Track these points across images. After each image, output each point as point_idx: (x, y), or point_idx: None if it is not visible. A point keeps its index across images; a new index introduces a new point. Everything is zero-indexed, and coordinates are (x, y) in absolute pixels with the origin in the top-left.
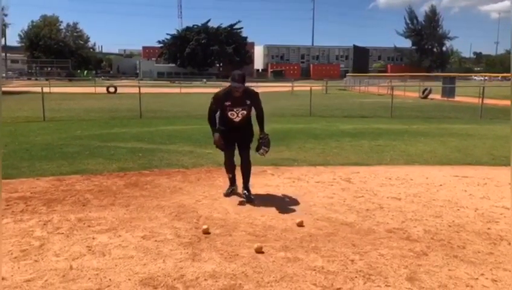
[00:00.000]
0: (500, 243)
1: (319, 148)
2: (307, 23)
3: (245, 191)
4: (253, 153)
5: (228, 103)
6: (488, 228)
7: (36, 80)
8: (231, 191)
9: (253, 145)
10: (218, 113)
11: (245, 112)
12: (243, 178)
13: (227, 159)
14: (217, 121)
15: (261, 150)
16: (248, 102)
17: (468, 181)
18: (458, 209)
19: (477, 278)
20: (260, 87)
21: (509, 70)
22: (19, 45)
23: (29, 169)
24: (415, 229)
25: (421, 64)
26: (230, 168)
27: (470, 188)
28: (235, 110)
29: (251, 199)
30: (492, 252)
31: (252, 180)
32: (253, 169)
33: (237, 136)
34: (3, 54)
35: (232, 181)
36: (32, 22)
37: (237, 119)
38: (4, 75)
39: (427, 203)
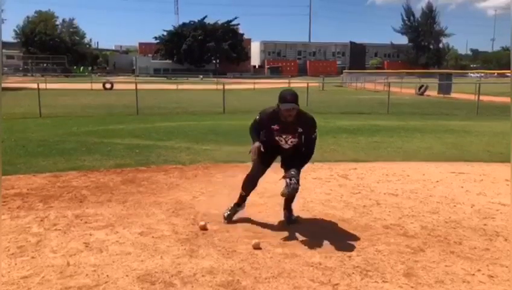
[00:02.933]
0: (496, 239)
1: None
2: (303, 20)
3: (286, 212)
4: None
5: (276, 127)
6: (485, 224)
7: (32, 76)
8: (234, 212)
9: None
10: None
11: (296, 140)
12: (286, 202)
13: (252, 174)
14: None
15: (288, 180)
16: (300, 130)
17: (465, 177)
18: (455, 206)
19: (473, 274)
20: (257, 84)
21: (504, 67)
22: (15, 40)
23: (25, 165)
24: (412, 225)
25: (418, 61)
26: (249, 185)
27: (467, 184)
28: (283, 136)
29: (293, 220)
30: (488, 248)
31: None
32: (251, 165)
33: (283, 156)
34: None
35: (242, 200)
36: (27, 17)
37: (286, 147)
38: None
39: (424, 200)
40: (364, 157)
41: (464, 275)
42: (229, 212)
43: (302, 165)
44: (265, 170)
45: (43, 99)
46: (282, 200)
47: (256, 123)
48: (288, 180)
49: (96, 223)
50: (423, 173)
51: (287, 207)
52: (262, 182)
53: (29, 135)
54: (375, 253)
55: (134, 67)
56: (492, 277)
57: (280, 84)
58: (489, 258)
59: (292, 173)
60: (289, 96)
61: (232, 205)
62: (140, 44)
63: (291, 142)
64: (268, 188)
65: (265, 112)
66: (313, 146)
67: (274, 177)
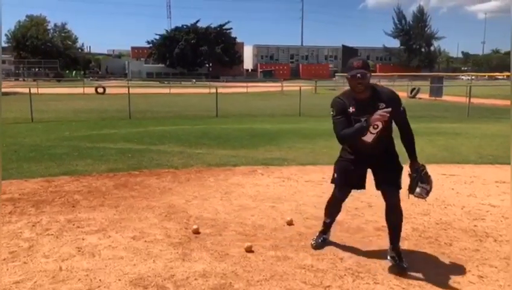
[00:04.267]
0: (486, 240)
1: (308, 148)
2: (296, 23)
3: (393, 255)
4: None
5: (351, 109)
6: (475, 225)
7: (24, 80)
8: (322, 241)
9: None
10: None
11: (379, 124)
12: (391, 234)
13: (335, 199)
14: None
15: (418, 189)
16: (382, 106)
17: (455, 179)
18: (445, 207)
19: (463, 275)
20: (250, 87)
21: (495, 70)
22: (6, 45)
23: (17, 170)
24: (403, 227)
25: (410, 64)
26: (333, 211)
27: (457, 186)
28: (362, 120)
29: (403, 268)
30: (478, 249)
31: (242, 179)
32: (243, 169)
33: (371, 165)
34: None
35: (326, 227)
36: (19, 22)
37: (369, 139)
38: None
39: (415, 202)
40: None
41: (454, 276)
42: (318, 242)
43: (414, 144)
44: (349, 192)
45: (35, 104)
46: (274, 202)
47: (336, 118)
48: (418, 190)
49: (89, 227)
50: None
51: (394, 243)
52: (254, 185)
53: (21, 139)
54: (366, 255)
55: (127, 72)
56: (482, 277)
57: (273, 87)
58: (479, 259)
59: (416, 177)
60: (355, 62)
61: (318, 234)
62: (133, 48)
63: (374, 126)
64: (260, 191)
65: (336, 98)
66: (408, 122)
67: (266, 181)
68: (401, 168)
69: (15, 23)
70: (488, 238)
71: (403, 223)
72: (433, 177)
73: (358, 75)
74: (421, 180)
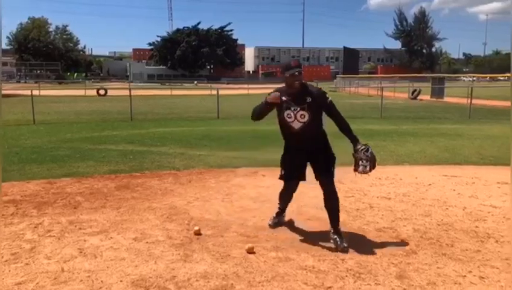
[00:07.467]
0: (487, 241)
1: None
2: (297, 25)
3: (335, 236)
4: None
5: (284, 98)
6: (476, 226)
7: (25, 82)
8: (277, 222)
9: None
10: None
11: (305, 115)
12: (330, 217)
13: (286, 189)
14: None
15: (361, 168)
16: (309, 100)
17: (457, 180)
18: (447, 208)
19: (465, 276)
20: (251, 89)
21: (496, 71)
22: (8, 47)
23: (19, 172)
24: (405, 228)
25: (411, 65)
26: (284, 199)
27: (459, 187)
28: (292, 109)
29: (344, 247)
30: (479, 249)
31: (243, 181)
32: (245, 170)
33: (307, 157)
34: None
35: (280, 211)
36: (21, 24)
37: (296, 126)
38: None
39: (416, 203)
40: None
41: (455, 277)
42: (274, 221)
43: (350, 129)
44: (297, 183)
45: (37, 106)
46: (275, 204)
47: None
48: (361, 168)
49: (91, 229)
50: (416, 176)
51: (333, 225)
52: (256, 187)
53: (23, 141)
54: (368, 256)
55: (128, 74)
56: (483, 278)
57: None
58: (481, 260)
59: (357, 156)
60: (293, 62)
61: (274, 216)
62: (134, 50)
63: (301, 117)
64: (262, 192)
65: (274, 90)
66: (338, 112)
67: (267, 182)
68: (333, 158)
69: (17, 26)
70: (489, 239)
71: (340, 205)
72: (435, 179)
73: (296, 72)
74: (362, 158)
